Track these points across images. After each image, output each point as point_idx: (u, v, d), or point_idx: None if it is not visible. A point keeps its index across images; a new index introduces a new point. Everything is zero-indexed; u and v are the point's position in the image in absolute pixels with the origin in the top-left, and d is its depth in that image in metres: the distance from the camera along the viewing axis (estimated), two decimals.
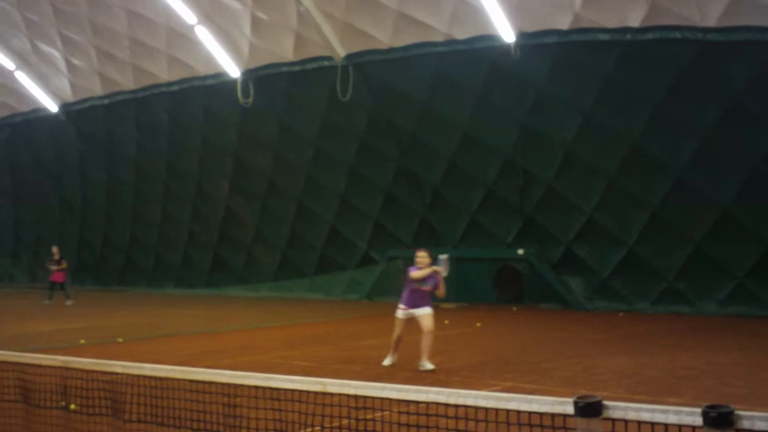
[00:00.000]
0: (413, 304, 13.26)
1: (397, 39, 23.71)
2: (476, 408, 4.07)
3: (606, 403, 3.58)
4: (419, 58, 23.64)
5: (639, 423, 3.53)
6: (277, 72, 26.60)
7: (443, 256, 13.33)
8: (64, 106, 33.06)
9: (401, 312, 13.31)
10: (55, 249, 29.70)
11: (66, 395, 6.29)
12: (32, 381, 6.46)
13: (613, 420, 3.61)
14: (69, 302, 27.99)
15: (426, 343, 13.01)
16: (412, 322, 13.22)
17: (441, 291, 13.31)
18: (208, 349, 16.24)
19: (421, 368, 12.89)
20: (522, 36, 21.72)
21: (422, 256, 13.29)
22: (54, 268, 28.90)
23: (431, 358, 13.06)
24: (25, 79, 32.66)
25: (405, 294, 13.40)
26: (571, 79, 21.84)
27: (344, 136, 26.62)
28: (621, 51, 20.56)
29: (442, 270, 13.12)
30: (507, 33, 21.77)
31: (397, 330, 13.30)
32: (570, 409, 3.64)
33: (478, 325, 19.83)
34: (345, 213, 28.02)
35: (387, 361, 13.56)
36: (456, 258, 25.67)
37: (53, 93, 32.94)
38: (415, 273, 13.13)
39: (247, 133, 28.82)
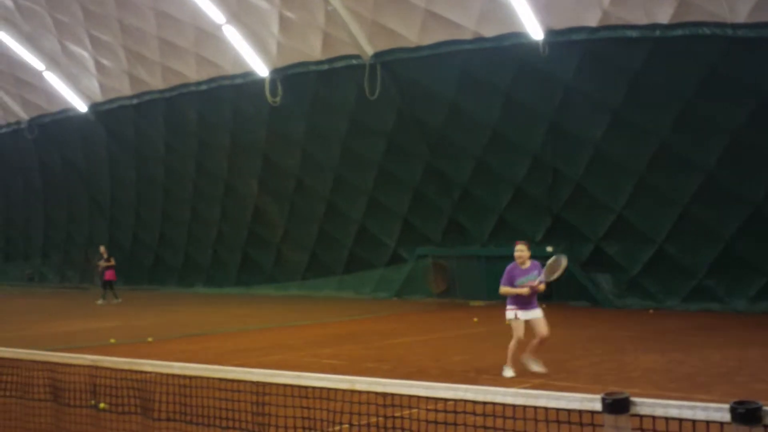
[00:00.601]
0: (525, 305, 12.33)
1: (425, 37, 23.68)
2: (504, 405, 4.06)
3: (634, 399, 3.57)
4: (447, 56, 23.59)
5: (667, 419, 3.50)
6: (305, 71, 26.66)
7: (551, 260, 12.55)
8: (94, 106, 33.33)
9: (520, 313, 12.28)
10: (102, 248, 30.10)
11: (96, 394, 6.34)
12: (62, 380, 6.51)
13: (641, 416, 3.60)
14: (116, 301, 28.22)
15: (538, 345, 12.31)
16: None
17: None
18: (238, 348, 16.32)
19: (534, 369, 12.22)
20: (550, 33, 21.62)
21: (521, 249, 12.54)
22: (103, 264, 29.18)
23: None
24: (54, 80, 32.97)
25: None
26: (599, 77, 21.71)
27: (372, 134, 26.64)
28: (650, 48, 20.40)
29: (542, 280, 12.34)
30: (535, 30, 21.68)
31: (519, 333, 12.18)
32: (598, 406, 3.63)
33: (507, 323, 19.75)
34: (373, 211, 28.03)
35: (510, 373, 12.10)
36: (485, 257, 25.72)
37: (82, 93, 33.23)
38: (523, 284, 12.29)
39: (275, 133, 28.92)
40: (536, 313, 12.31)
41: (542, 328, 12.18)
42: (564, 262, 12.59)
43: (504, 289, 12.40)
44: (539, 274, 12.34)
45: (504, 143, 24.10)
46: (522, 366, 12.32)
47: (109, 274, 29.27)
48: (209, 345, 16.91)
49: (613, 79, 21.46)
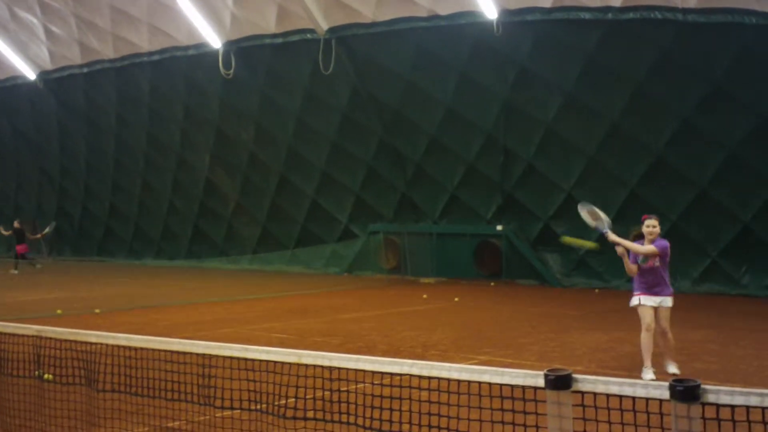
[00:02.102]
0: (653, 287, 10.45)
1: (381, 13, 23.62)
2: (449, 380, 4.11)
3: (576, 376, 3.64)
4: (402, 33, 23.57)
5: (608, 396, 3.58)
6: (259, 44, 26.43)
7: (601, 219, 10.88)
8: (42, 74, 32.74)
9: (645, 298, 10.40)
10: (17, 222, 31.10)
11: (40, 365, 6.29)
12: (6, 350, 6.45)
13: (583, 393, 3.67)
14: (14, 272, 29.04)
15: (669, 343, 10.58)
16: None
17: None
18: (187, 321, 16.26)
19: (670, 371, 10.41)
20: (504, 13, 21.69)
21: (652, 224, 10.56)
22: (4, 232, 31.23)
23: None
24: (2, 46, 32.30)
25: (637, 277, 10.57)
26: (553, 57, 21.86)
27: (326, 109, 26.55)
28: (603, 30, 20.57)
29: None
30: (490, 10, 21.73)
31: (647, 319, 10.24)
32: (541, 382, 3.69)
33: (456, 300, 19.94)
34: (326, 187, 28.00)
35: (650, 374, 10.10)
36: (436, 234, 25.88)
37: (31, 61, 32.60)
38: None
39: (228, 105, 28.68)
40: (664, 300, 10.43)
41: (661, 319, 10.37)
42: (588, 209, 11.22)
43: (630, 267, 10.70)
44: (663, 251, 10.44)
45: (458, 121, 24.18)
46: (448, 340, 12.41)
47: (21, 248, 30.30)
48: (158, 318, 16.82)
49: (566, 61, 21.62)
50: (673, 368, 10.46)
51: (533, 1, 21.19)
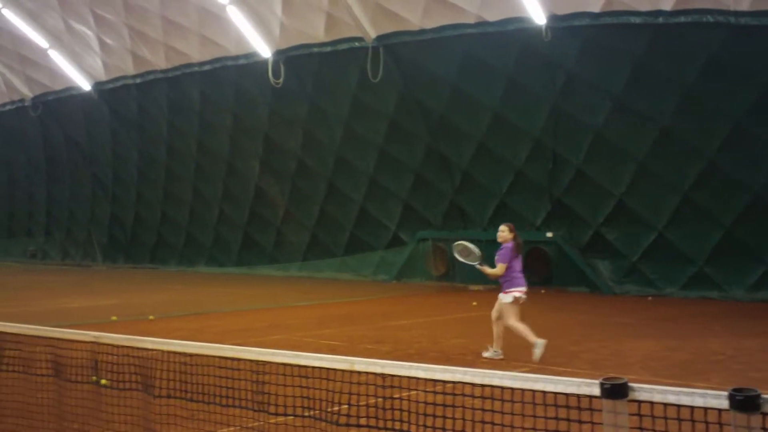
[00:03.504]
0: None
1: (428, 20, 23.65)
2: (502, 388, 4.10)
3: (632, 385, 3.60)
4: (450, 40, 23.57)
5: (665, 405, 3.54)
6: (307, 53, 26.63)
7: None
8: (97, 85, 33.32)
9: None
10: None
11: (97, 370, 6.39)
12: (64, 356, 6.56)
13: (639, 402, 3.63)
14: None
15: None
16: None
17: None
18: (238, 327, 16.39)
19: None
20: (553, 18, 21.59)
21: (500, 230, 13.03)
22: None
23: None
24: (58, 58, 32.93)
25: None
26: (602, 62, 21.69)
27: (374, 117, 26.63)
28: (652, 34, 20.36)
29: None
30: (538, 15, 21.65)
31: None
32: (596, 391, 3.66)
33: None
34: (374, 194, 28.06)
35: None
36: (485, 240, 25.75)
37: (86, 72, 33.19)
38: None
39: (277, 113, 28.91)
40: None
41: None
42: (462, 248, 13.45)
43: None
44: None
45: (506, 127, 24.10)
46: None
47: None
48: (209, 324, 16.98)
49: (615, 65, 21.44)
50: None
51: (582, 5, 21.05)
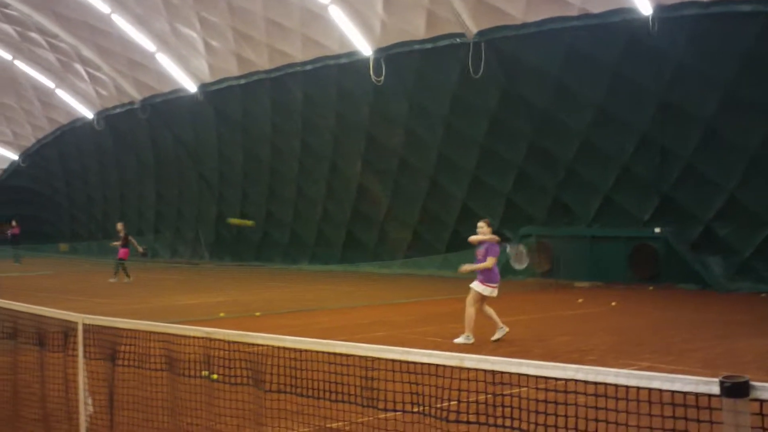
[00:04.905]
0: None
1: (530, 14, 23.40)
2: (616, 386, 4.01)
3: (754, 383, 3.48)
4: (553, 33, 23.28)
5: None
6: (408, 50, 26.69)
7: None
8: (202, 87, 34.09)
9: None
10: (120, 225, 30.19)
11: (209, 365, 6.52)
12: (177, 351, 6.71)
13: (761, 401, 3.50)
14: (127, 280, 27.99)
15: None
16: None
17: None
18: (343, 324, 16.53)
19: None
20: (660, 9, 21.10)
21: (479, 225, 14.14)
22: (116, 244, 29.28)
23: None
24: (165, 61, 33.82)
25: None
26: (710, 53, 21.08)
27: (476, 113, 26.50)
28: (763, 22, 19.70)
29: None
30: (644, 6, 21.18)
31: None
32: (715, 389, 3.55)
33: (613, 304, 19.49)
34: (476, 190, 27.93)
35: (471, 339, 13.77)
36: (590, 237, 25.36)
37: (192, 74, 34.00)
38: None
39: (378, 112, 29.06)
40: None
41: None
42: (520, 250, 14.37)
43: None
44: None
45: (610, 121, 23.67)
46: (605, 345, 12.11)
47: (122, 253, 28.87)
48: (314, 321, 17.17)
49: (724, 55, 20.82)
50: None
51: None
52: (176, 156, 38.68)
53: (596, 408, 4.26)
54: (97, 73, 37.25)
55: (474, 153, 27.30)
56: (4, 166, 49.34)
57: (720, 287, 22.40)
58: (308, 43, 28.95)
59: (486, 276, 13.63)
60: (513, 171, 26.72)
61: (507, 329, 13.70)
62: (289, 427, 6.64)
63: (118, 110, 39.31)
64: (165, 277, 30.51)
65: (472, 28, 24.64)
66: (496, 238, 13.95)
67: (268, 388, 6.03)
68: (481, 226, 13.86)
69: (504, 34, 24.32)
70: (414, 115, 28.21)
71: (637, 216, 24.42)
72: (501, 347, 13.16)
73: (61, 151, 45.67)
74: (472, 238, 14.08)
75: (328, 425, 6.64)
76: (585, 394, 4.33)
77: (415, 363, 5.06)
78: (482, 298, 13.68)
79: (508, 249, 13.92)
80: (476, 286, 13.65)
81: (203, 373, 6.59)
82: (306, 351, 5.68)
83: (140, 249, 30.57)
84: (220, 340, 6.32)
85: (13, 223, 41.99)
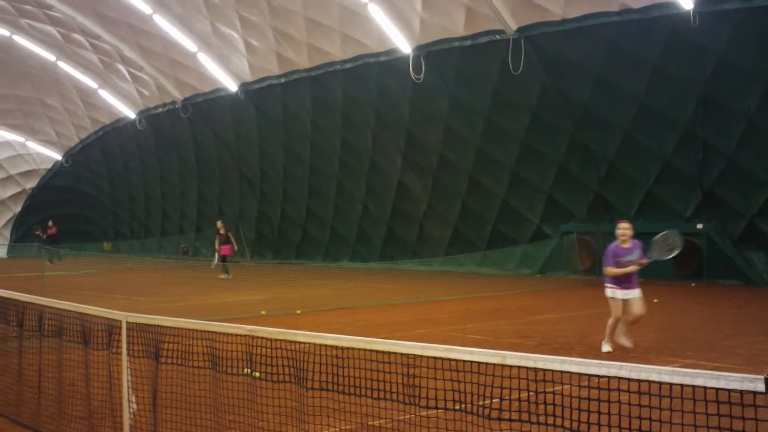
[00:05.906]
0: (624, 284, 12.50)
1: (570, 10, 23.25)
2: (660, 383, 3.99)
3: None
4: (593, 29, 23.12)
5: None
6: (448, 47, 26.65)
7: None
8: (243, 86, 34.31)
9: (619, 292, 12.52)
10: (219, 223, 30.43)
11: (251, 362, 6.57)
12: (220, 348, 6.77)
13: None
14: (224, 276, 28.49)
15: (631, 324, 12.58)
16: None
17: None
18: (383, 322, 16.56)
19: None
20: (701, 3, 20.86)
21: (626, 228, 12.76)
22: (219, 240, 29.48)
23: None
24: (206, 60, 34.08)
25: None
26: (753, 46, 20.81)
27: (516, 109, 26.40)
28: None
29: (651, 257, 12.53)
30: (685, 0, 20.95)
31: (617, 312, 12.44)
32: (761, 386, 3.52)
33: (655, 301, 19.30)
34: (516, 187, 27.83)
35: (607, 348, 12.46)
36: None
37: (233, 73, 34.23)
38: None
39: (418, 109, 29.05)
40: (634, 293, 12.31)
41: (637, 308, 12.24)
42: (677, 240, 12.74)
43: (611, 270, 12.37)
44: (641, 253, 12.43)
45: (652, 116, 23.45)
46: (648, 342, 12.00)
47: (225, 250, 29.19)
48: (355, 318, 17.22)
49: (767, 49, 20.51)
50: (626, 342, 12.29)
51: None
52: (217, 155, 38.99)
53: (639, 405, 4.25)
54: (139, 73, 37.65)
55: (514, 149, 27.20)
56: (48, 166, 50.07)
57: (763, 283, 22.13)
58: (348, 41, 29.01)
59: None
60: (553, 167, 26.58)
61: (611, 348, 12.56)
62: (330, 424, 6.68)
63: (159, 110, 39.71)
64: (206, 275, 30.71)
65: (512, 24, 24.54)
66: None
67: (310, 385, 6.07)
68: (628, 227, 12.78)
69: (544, 30, 24.20)
70: (454, 112, 28.16)
71: (680, 212, 24.19)
72: (543, 344, 13.12)
73: (103, 150, 46.26)
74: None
75: (370, 423, 6.68)
76: (628, 391, 4.31)
77: (456, 360, 5.07)
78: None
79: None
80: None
81: (245, 370, 6.64)
82: (347, 348, 5.71)
83: (236, 247, 30.69)
84: (262, 337, 6.37)
85: (50, 223, 42.61)
